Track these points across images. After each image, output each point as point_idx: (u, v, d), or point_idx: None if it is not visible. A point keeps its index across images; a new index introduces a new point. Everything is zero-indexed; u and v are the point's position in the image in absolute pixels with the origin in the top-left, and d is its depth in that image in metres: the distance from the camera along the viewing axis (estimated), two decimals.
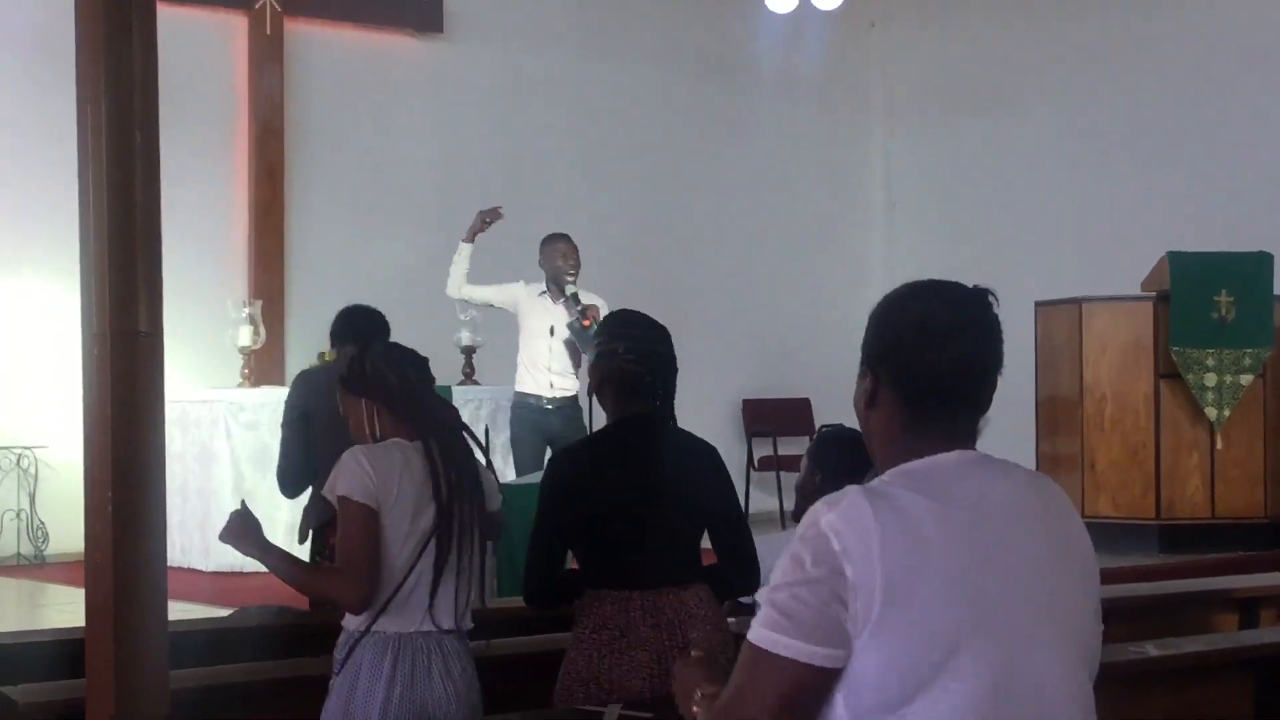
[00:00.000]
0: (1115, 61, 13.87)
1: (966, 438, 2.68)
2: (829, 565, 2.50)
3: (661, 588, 4.44)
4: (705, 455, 4.63)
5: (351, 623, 4.31)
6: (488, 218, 10.37)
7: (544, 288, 10.19)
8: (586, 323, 9.64)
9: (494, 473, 4.60)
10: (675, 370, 4.63)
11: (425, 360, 4.52)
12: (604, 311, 10.18)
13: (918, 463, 2.63)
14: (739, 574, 4.63)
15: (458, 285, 10.41)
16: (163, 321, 3.57)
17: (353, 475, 4.26)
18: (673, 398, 4.63)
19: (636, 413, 4.55)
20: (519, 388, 10.34)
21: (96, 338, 3.48)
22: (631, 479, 4.46)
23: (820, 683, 2.52)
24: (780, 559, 2.59)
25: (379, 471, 4.27)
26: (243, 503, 4.48)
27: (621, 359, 4.52)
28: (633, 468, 4.48)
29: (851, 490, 2.57)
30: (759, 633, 2.54)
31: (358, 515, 4.25)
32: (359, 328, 6.66)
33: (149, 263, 3.45)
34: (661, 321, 4.66)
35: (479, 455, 4.46)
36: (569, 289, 9.98)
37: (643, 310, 4.74)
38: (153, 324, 3.49)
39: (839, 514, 2.53)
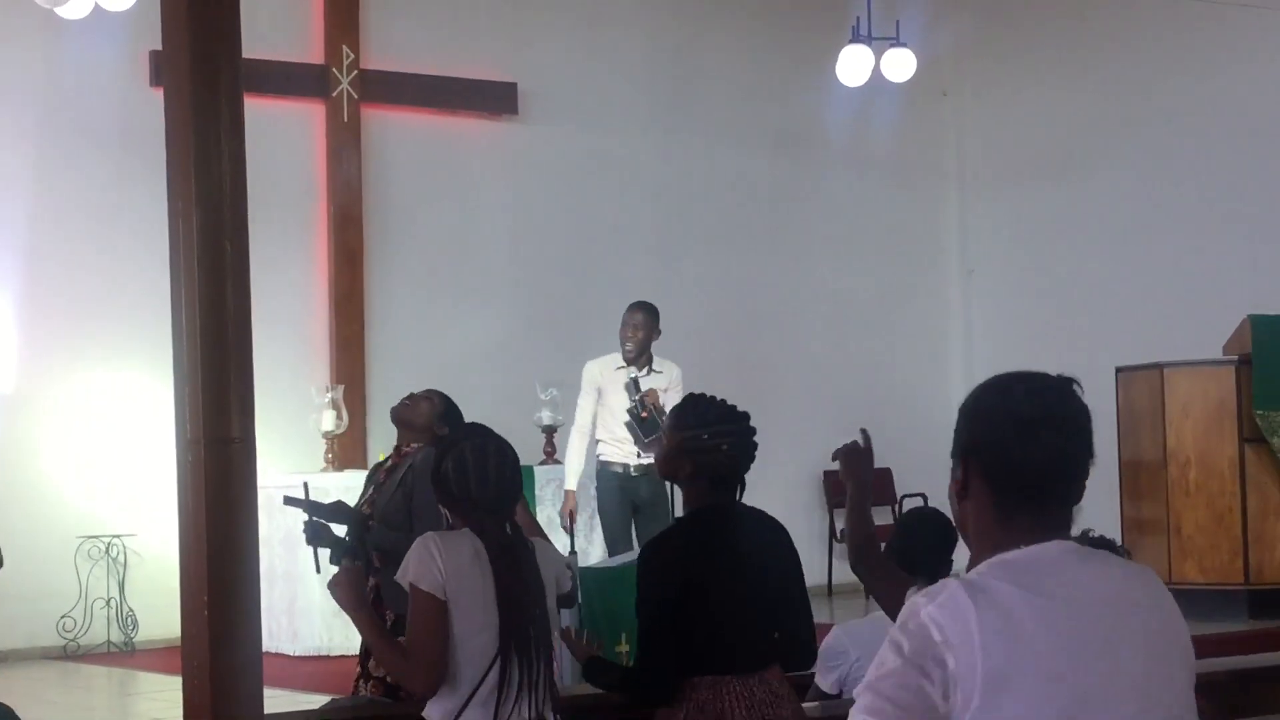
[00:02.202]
0: (1190, 122, 13.84)
1: (1059, 529, 2.69)
2: (931, 655, 2.53)
3: (753, 671, 4.50)
4: (779, 531, 4.74)
5: (435, 714, 4.35)
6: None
7: (620, 362, 10.22)
8: (645, 414, 9.66)
9: (575, 555, 4.66)
10: (751, 461, 4.72)
11: (507, 463, 4.53)
12: (675, 376, 10.21)
13: (1017, 554, 2.65)
14: (803, 649, 4.71)
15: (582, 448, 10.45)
16: (254, 426, 3.65)
17: (423, 564, 4.32)
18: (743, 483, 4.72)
19: (718, 501, 4.60)
20: (602, 457, 10.39)
21: (190, 444, 3.56)
22: (721, 565, 4.52)
23: None
24: (881, 649, 2.61)
25: (450, 561, 4.32)
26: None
27: (724, 456, 4.57)
28: (723, 554, 4.53)
29: (951, 583, 2.59)
30: (857, 714, 2.56)
31: (425, 605, 4.31)
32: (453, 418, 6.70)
33: (240, 371, 3.53)
34: (741, 394, 4.73)
35: (565, 539, 4.53)
36: (630, 373, 10.03)
37: (723, 384, 4.81)
38: (245, 430, 3.57)
39: (938, 606, 2.55)
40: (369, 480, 6.76)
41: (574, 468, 10.41)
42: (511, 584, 4.32)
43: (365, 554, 6.37)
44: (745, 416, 4.68)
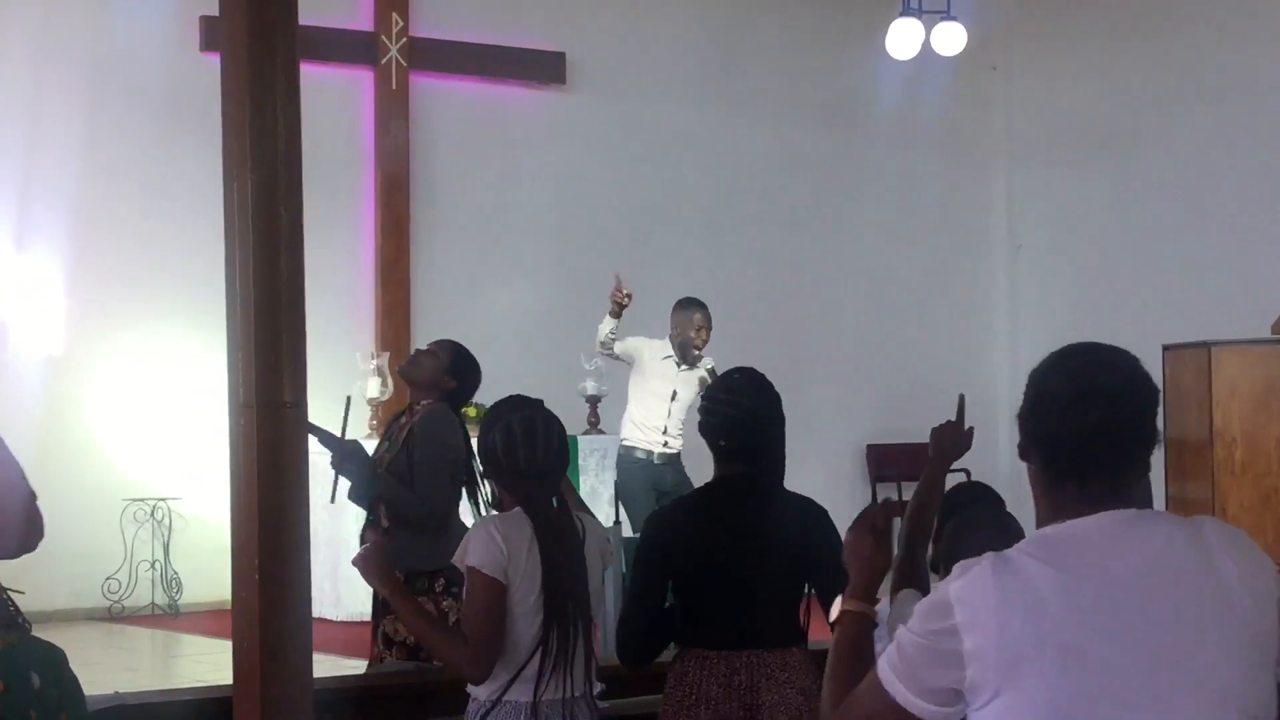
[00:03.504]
0: (1241, 100, 13.74)
1: (1107, 500, 2.68)
2: (949, 633, 2.59)
3: (743, 649, 4.44)
4: (813, 515, 4.60)
5: (482, 692, 4.32)
6: (617, 297, 10.32)
7: (669, 352, 10.23)
8: None
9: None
10: (778, 432, 4.58)
11: (554, 436, 4.47)
12: (710, 365, 10.25)
13: (1058, 528, 2.67)
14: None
15: (597, 344, 10.52)
16: (306, 391, 3.66)
17: (485, 547, 4.27)
18: (780, 458, 4.58)
19: (737, 473, 4.56)
20: (626, 441, 10.42)
21: (243, 409, 3.57)
22: (724, 540, 4.47)
23: None
24: (915, 613, 2.67)
25: (511, 544, 4.28)
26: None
27: (710, 423, 4.55)
28: (729, 528, 4.48)
29: (985, 559, 2.63)
30: (882, 663, 2.67)
31: (487, 589, 4.25)
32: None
33: (293, 336, 3.54)
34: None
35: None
36: (707, 364, 10.05)
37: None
38: (297, 395, 3.58)
39: (965, 583, 2.61)
40: (385, 434, 6.64)
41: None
42: (558, 561, 4.30)
43: (376, 511, 6.33)
44: (750, 389, 4.58)
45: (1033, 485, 2.77)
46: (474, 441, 4.77)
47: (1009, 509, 4.47)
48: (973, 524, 4.34)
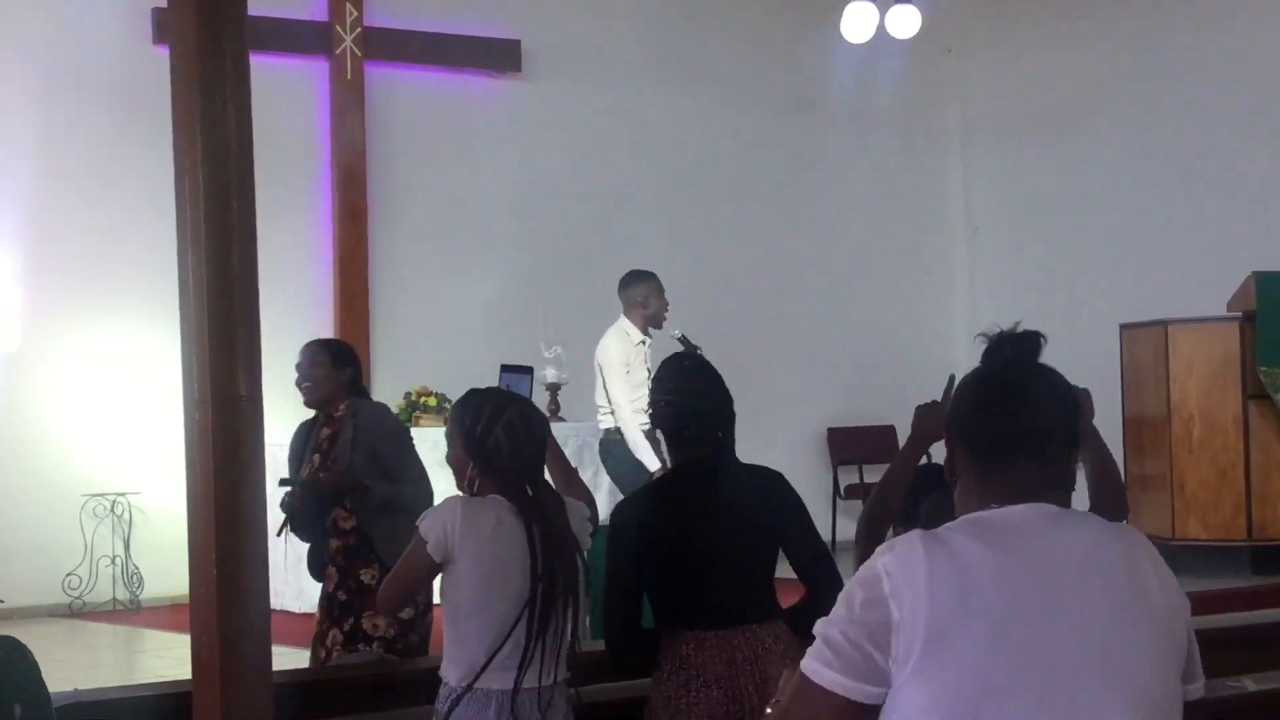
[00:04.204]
0: (1195, 80, 13.80)
1: (1035, 493, 2.76)
2: (877, 607, 2.62)
3: (735, 626, 4.49)
4: (769, 480, 4.68)
5: (452, 678, 4.37)
6: None
7: (641, 336, 10.02)
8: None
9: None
10: (727, 414, 4.66)
11: (545, 428, 4.59)
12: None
13: (987, 513, 2.74)
14: (826, 595, 4.63)
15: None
16: (261, 385, 3.65)
17: (439, 524, 4.39)
18: (731, 440, 4.66)
19: (693, 458, 4.61)
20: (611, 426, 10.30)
21: (198, 404, 3.56)
22: (693, 522, 4.52)
23: (858, 716, 2.63)
24: (842, 592, 2.71)
25: (468, 528, 4.36)
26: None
27: (663, 411, 4.64)
28: (693, 511, 4.54)
29: (913, 533, 2.68)
30: (807, 662, 2.66)
31: (419, 557, 4.45)
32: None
33: (248, 330, 3.53)
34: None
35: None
36: (678, 331, 9.91)
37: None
38: (252, 388, 3.57)
39: (894, 555, 2.65)
40: (305, 448, 6.58)
41: (648, 447, 9.71)
42: (543, 549, 4.36)
43: (322, 534, 6.35)
44: (692, 374, 4.68)
45: (960, 486, 2.84)
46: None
47: None
48: (950, 506, 4.42)
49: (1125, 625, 2.68)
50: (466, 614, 4.37)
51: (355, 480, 6.26)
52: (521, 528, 4.39)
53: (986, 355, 3.10)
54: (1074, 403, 2.88)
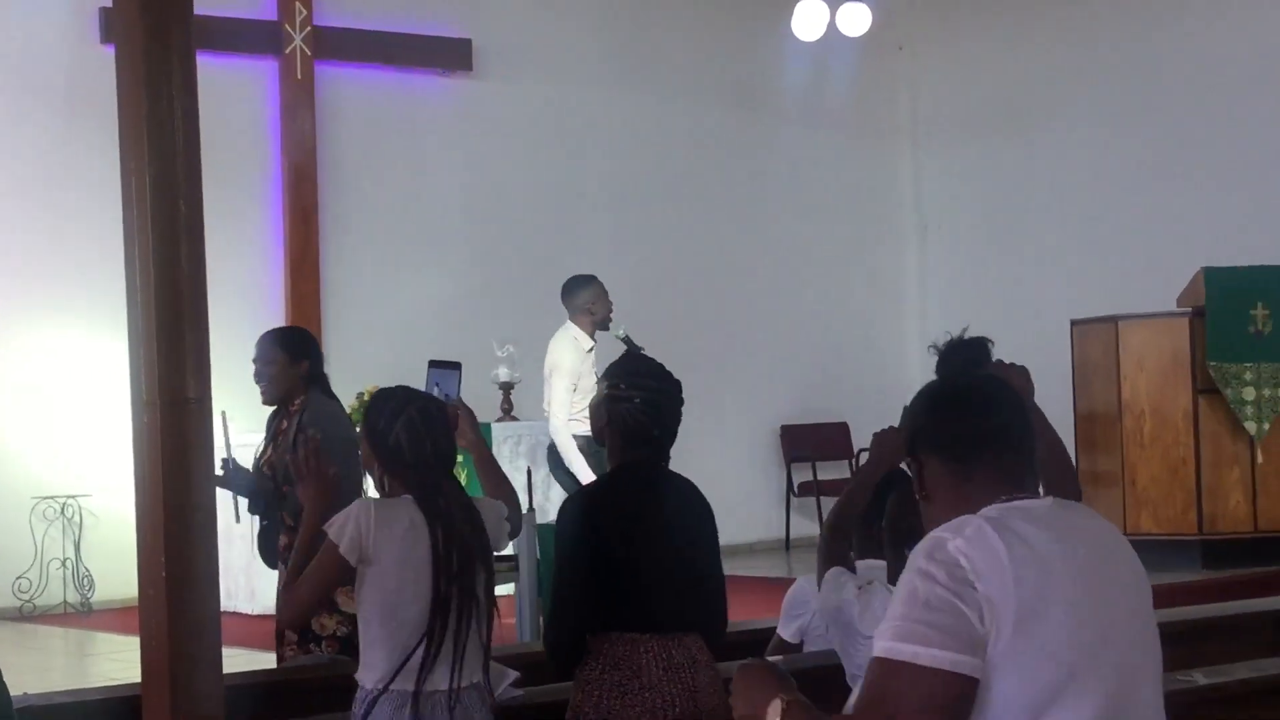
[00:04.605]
0: (1145, 77, 13.87)
1: (1023, 484, 2.83)
2: (964, 582, 2.61)
3: (671, 632, 4.46)
4: (701, 504, 4.68)
5: (368, 680, 4.35)
6: None
7: (591, 343, 10.01)
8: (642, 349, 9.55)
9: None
10: (677, 421, 4.65)
11: (446, 425, 4.52)
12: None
13: (1015, 502, 2.78)
14: (715, 612, 4.63)
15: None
16: (210, 387, 3.62)
17: (352, 525, 4.34)
18: (671, 444, 4.66)
19: (641, 459, 4.58)
20: (574, 433, 10.16)
21: (146, 406, 3.53)
22: (638, 524, 4.49)
23: (964, 693, 2.58)
24: (903, 583, 2.67)
25: (380, 529, 4.33)
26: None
27: (634, 408, 4.55)
28: (640, 513, 4.51)
29: (973, 519, 2.69)
30: (895, 647, 2.59)
31: (329, 560, 4.36)
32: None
33: (196, 331, 3.50)
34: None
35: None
36: (622, 331, 9.90)
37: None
38: (200, 391, 3.54)
39: (966, 540, 2.65)
40: (267, 433, 6.55)
41: (581, 458, 9.76)
42: (446, 551, 4.32)
43: (277, 513, 6.31)
44: (665, 377, 4.64)
45: (940, 499, 2.86)
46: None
47: None
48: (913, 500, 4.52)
49: (1145, 602, 2.83)
50: (382, 616, 4.34)
51: (274, 487, 6.20)
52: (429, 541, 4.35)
53: (940, 363, 3.17)
54: (1023, 403, 2.96)
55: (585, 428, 9.92)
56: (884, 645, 2.60)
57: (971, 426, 2.84)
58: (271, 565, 6.50)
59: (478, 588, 4.38)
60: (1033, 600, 2.61)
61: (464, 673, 4.34)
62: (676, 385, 4.65)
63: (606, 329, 10.00)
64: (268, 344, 6.47)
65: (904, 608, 2.61)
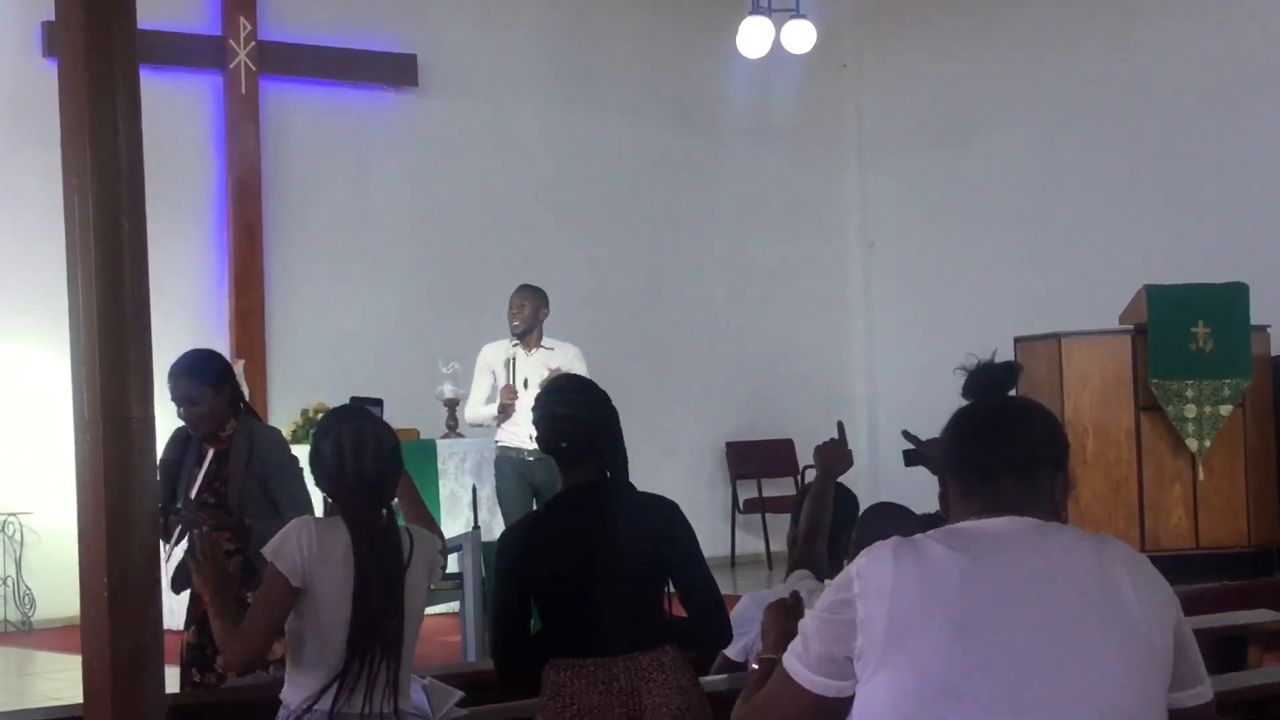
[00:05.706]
0: (1089, 95, 13.95)
1: (1014, 509, 2.88)
2: (846, 604, 2.78)
3: (616, 655, 4.41)
4: (661, 510, 4.58)
5: (292, 700, 4.31)
6: (507, 399, 10.16)
7: (514, 340, 10.24)
8: None
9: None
10: (618, 431, 4.59)
11: (394, 445, 4.44)
12: (573, 355, 10.24)
13: (967, 523, 2.89)
14: (704, 624, 4.60)
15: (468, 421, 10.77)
16: (154, 406, 3.60)
17: (289, 547, 4.26)
18: (623, 459, 4.59)
19: (582, 481, 4.55)
20: (500, 441, 10.34)
21: (89, 424, 3.50)
22: (578, 548, 4.45)
23: (832, 708, 2.79)
24: (830, 583, 2.93)
25: (321, 549, 4.27)
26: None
27: (554, 425, 4.54)
28: (579, 536, 4.46)
29: (890, 540, 2.85)
30: (786, 655, 2.86)
31: (274, 587, 4.27)
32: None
33: (139, 349, 3.48)
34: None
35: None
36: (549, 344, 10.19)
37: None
38: (144, 410, 3.52)
39: (867, 558, 2.82)
40: (184, 462, 6.03)
41: (485, 409, 10.35)
42: (370, 578, 4.28)
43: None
44: (574, 395, 4.61)
45: (953, 510, 2.98)
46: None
47: (868, 496, 5.29)
48: (881, 512, 4.95)
49: (1092, 632, 2.76)
50: (311, 636, 4.29)
51: (238, 520, 6.00)
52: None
53: (966, 386, 3.20)
54: (1056, 430, 3.01)
55: (511, 435, 10.12)
56: (786, 654, 2.86)
57: (985, 456, 2.94)
58: (179, 591, 6.18)
59: (396, 616, 4.33)
60: (909, 615, 2.72)
61: (375, 702, 4.29)
62: (587, 399, 4.59)
63: (519, 338, 10.21)
64: (189, 383, 5.93)
65: (805, 620, 2.86)
